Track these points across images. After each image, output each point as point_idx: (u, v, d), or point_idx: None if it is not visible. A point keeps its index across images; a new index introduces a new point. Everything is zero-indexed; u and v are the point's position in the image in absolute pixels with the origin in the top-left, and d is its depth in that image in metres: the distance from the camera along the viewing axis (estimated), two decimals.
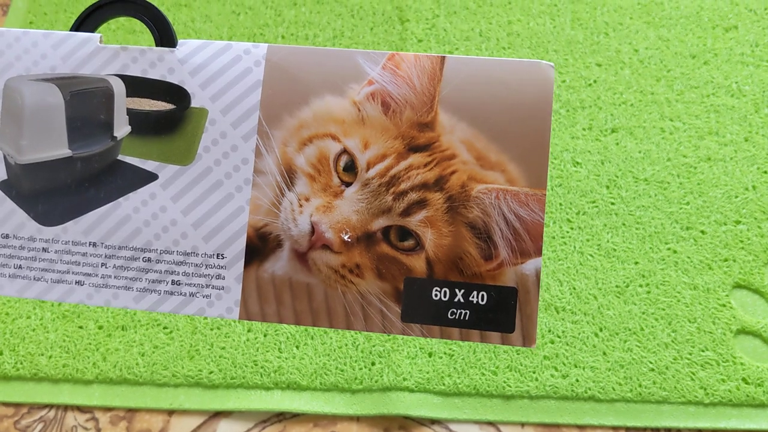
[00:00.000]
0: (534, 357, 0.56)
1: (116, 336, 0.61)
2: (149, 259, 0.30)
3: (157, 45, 0.30)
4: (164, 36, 0.30)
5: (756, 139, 0.65)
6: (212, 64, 0.30)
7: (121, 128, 0.30)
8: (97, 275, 0.30)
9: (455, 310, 0.28)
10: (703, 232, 0.61)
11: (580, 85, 0.68)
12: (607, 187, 0.64)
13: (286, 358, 0.58)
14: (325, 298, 0.29)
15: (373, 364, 0.57)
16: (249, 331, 0.60)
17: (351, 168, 0.29)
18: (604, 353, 0.56)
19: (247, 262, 0.29)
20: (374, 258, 0.28)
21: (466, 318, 0.28)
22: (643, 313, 0.58)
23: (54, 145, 0.30)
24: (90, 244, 0.30)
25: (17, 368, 0.60)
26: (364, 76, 0.29)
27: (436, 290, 0.28)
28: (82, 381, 0.59)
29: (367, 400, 0.56)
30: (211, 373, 0.58)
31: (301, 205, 0.29)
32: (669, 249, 0.61)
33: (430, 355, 0.57)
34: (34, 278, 0.30)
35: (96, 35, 0.30)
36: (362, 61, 0.29)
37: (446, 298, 0.28)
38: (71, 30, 0.31)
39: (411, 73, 0.29)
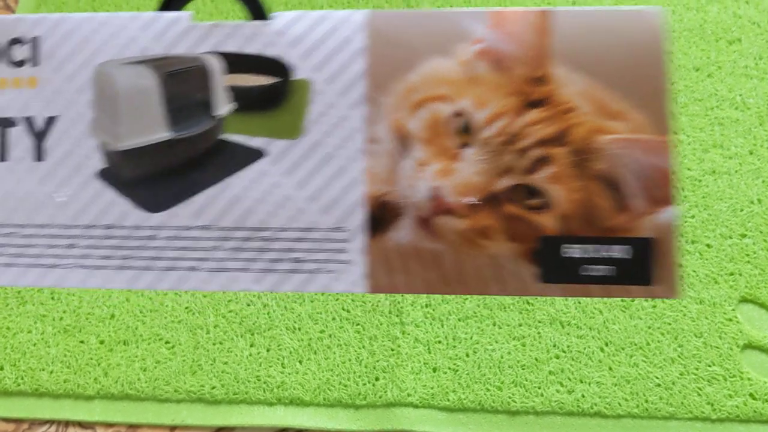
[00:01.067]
0: (539, 372, 0.56)
1: (118, 351, 0.59)
2: (266, 238, 0.28)
3: (251, 20, 0.29)
4: (255, 9, 0.29)
5: (761, 152, 0.64)
6: (311, 34, 0.29)
7: (222, 106, 0.29)
8: (212, 259, 0.29)
9: (592, 266, 0.27)
10: (708, 245, 0.60)
11: None
12: None
13: (289, 374, 0.57)
14: (455, 264, 0.28)
15: (377, 379, 0.56)
16: (251, 345, 0.59)
17: (467, 129, 0.28)
18: (610, 368, 0.55)
19: (370, 234, 0.28)
20: (502, 219, 0.28)
21: (605, 273, 0.27)
22: (649, 327, 0.57)
23: (153, 129, 0.29)
24: (201, 228, 0.29)
25: (18, 383, 0.58)
26: (470, 35, 0.28)
27: (571, 247, 0.28)
28: (84, 396, 0.58)
29: (371, 416, 0.56)
30: (213, 388, 0.57)
31: (419, 171, 0.28)
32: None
33: (434, 370, 0.56)
34: (144, 268, 0.29)
35: (186, 13, 0.29)
36: (466, 20, 0.28)
37: (582, 255, 0.28)
38: (159, 9, 0.30)
39: (518, 28, 0.28)
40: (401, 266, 0.28)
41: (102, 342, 0.60)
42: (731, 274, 0.59)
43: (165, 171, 0.29)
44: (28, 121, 0.30)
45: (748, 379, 0.55)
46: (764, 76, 0.68)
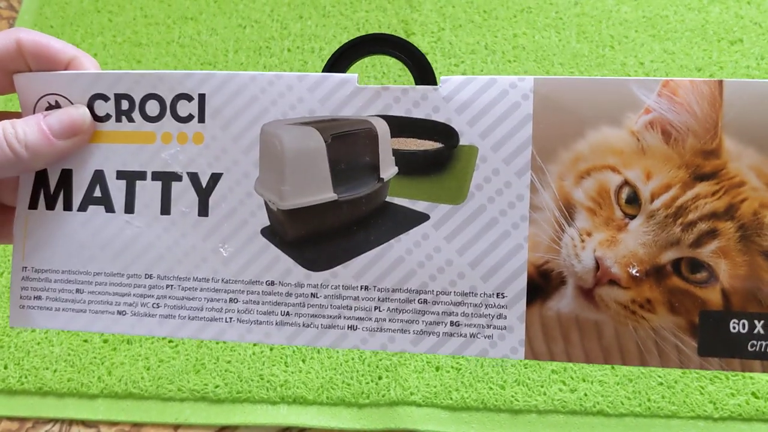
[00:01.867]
0: (542, 371, 0.56)
1: (121, 350, 0.60)
2: (425, 301, 0.29)
3: (416, 83, 0.30)
4: (424, 73, 0.29)
5: None
6: (478, 100, 0.29)
7: (388, 169, 0.29)
8: (370, 319, 0.29)
9: (756, 342, 0.27)
10: None
11: None
12: None
13: (293, 372, 0.57)
14: (615, 335, 0.28)
15: (380, 378, 0.57)
16: (254, 344, 0.59)
17: (634, 200, 0.28)
18: (613, 367, 0.55)
19: (530, 301, 0.29)
20: (665, 292, 0.28)
21: (766, 350, 0.27)
22: None
23: (318, 190, 0.30)
24: (362, 288, 0.29)
25: (22, 382, 0.59)
26: (640, 105, 0.28)
27: (734, 322, 0.28)
28: (87, 395, 0.59)
29: (374, 415, 0.56)
30: (217, 387, 0.58)
31: (583, 240, 0.28)
32: None
33: (437, 369, 0.57)
34: (303, 325, 0.30)
35: (353, 75, 0.30)
36: (636, 88, 0.28)
37: (746, 330, 0.28)
38: (324, 71, 0.30)
39: (689, 99, 0.28)
40: (560, 335, 0.28)
41: (106, 341, 0.61)
42: None
43: (328, 231, 0.30)
44: (193, 176, 0.31)
45: (751, 377, 0.55)
46: (766, 76, 0.67)
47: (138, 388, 0.58)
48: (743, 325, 0.28)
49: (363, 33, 0.72)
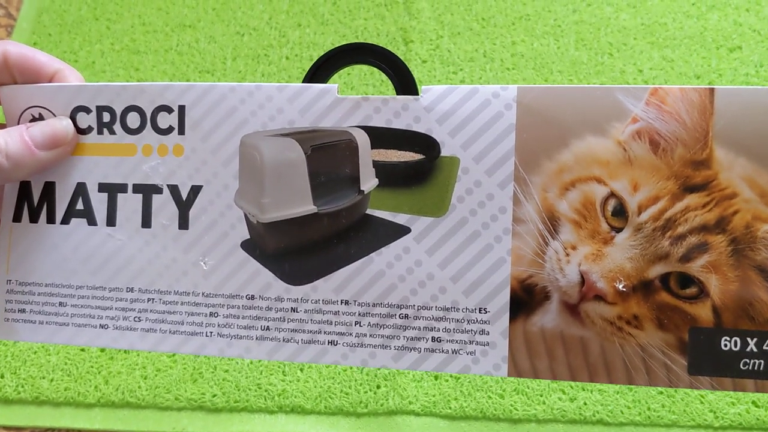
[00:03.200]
0: (541, 380, 0.54)
1: (118, 359, 0.60)
2: (406, 316, 0.28)
3: (398, 93, 0.29)
4: (405, 83, 0.29)
5: None
6: (460, 110, 0.28)
7: (368, 181, 0.29)
8: (351, 334, 0.29)
9: (748, 360, 0.26)
10: None
11: None
12: None
13: (290, 381, 0.57)
14: (601, 352, 0.27)
15: (378, 387, 0.56)
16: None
17: (620, 212, 0.27)
18: None
19: (513, 316, 0.28)
20: (653, 307, 0.27)
21: (761, 368, 0.26)
22: None
23: (297, 202, 0.29)
24: (342, 302, 0.29)
25: (18, 391, 0.59)
26: (627, 114, 0.27)
27: (726, 340, 0.27)
28: (84, 404, 0.59)
29: (373, 424, 0.55)
30: (214, 396, 0.57)
31: (567, 254, 0.27)
32: None
33: (436, 378, 0.56)
34: (284, 339, 0.29)
35: (333, 86, 0.29)
36: (622, 97, 0.27)
37: (737, 348, 0.26)
38: (304, 81, 0.30)
39: (678, 107, 0.27)
40: (545, 351, 0.28)
41: (102, 350, 0.61)
42: None
43: (309, 244, 0.29)
44: (174, 189, 0.30)
45: None
46: (765, 83, 0.68)
47: (135, 397, 0.58)
48: (735, 342, 0.27)
49: (362, 41, 0.71)
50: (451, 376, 0.56)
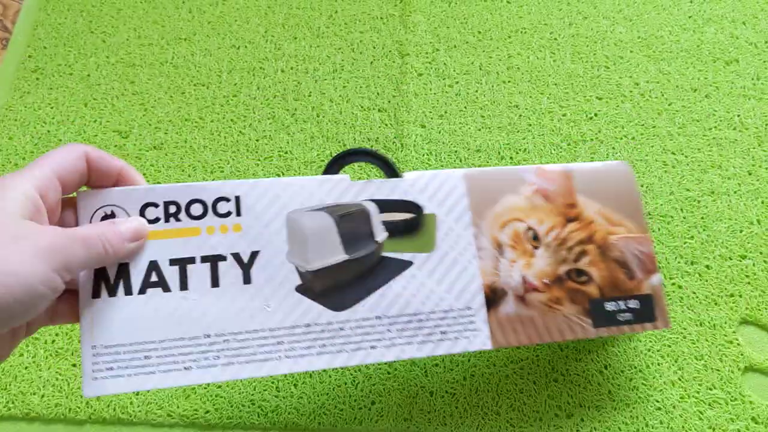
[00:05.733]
0: (537, 396, 0.56)
1: None
2: (421, 320, 0.42)
3: (387, 177, 0.45)
4: (391, 171, 0.45)
5: (759, 173, 0.63)
6: (431, 185, 0.44)
7: (380, 234, 0.43)
8: (385, 339, 0.41)
9: (622, 315, 0.44)
10: (708, 266, 0.59)
11: (580, 119, 0.68)
12: None
13: (284, 398, 0.57)
14: (543, 323, 0.43)
15: (373, 403, 0.56)
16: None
17: (536, 237, 0.45)
18: (610, 392, 0.55)
19: (488, 309, 0.43)
20: (566, 291, 0.44)
21: (628, 318, 0.44)
22: (649, 350, 0.56)
23: (333, 254, 0.42)
24: (376, 318, 0.41)
25: (9, 408, 0.57)
26: (527, 181, 0.46)
27: (608, 304, 0.44)
28: (75, 421, 0.57)
29: None
30: (207, 412, 0.56)
31: (511, 266, 0.44)
32: (674, 284, 0.59)
33: (431, 394, 0.56)
34: (337, 351, 0.40)
35: (346, 176, 0.44)
36: (524, 174, 0.46)
37: (615, 308, 0.44)
38: (324, 173, 0.44)
39: (555, 176, 0.47)
40: (511, 328, 0.43)
41: None
42: (731, 295, 0.58)
43: (345, 282, 0.42)
44: (236, 255, 0.41)
45: (750, 402, 0.54)
46: (762, 96, 0.67)
47: (126, 413, 0.56)
48: (613, 305, 0.44)
49: (357, 54, 0.75)
50: (446, 392, 0.56)
